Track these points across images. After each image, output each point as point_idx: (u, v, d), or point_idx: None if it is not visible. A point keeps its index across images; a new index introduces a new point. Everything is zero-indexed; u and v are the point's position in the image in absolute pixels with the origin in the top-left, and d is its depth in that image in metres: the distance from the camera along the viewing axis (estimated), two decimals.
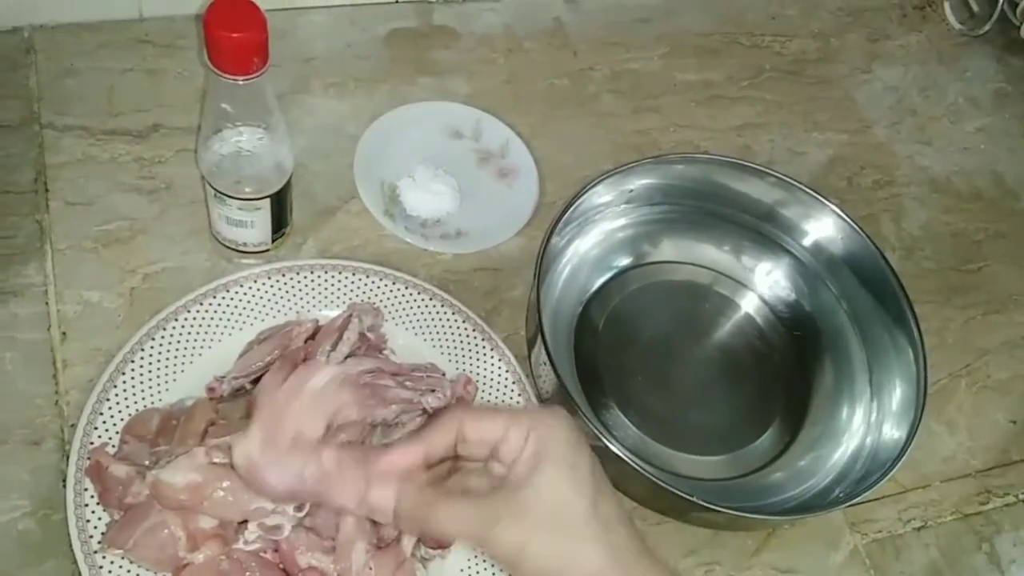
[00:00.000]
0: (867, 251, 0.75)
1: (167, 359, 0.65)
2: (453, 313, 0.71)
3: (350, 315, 0.68)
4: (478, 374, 0.69)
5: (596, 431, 0.61)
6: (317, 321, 0.68)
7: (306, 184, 0.77)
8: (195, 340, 0.66)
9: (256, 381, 0.66)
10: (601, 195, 0.76)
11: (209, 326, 0.67)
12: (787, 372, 0.78)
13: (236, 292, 0.69)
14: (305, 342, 0.67)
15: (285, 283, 0.70)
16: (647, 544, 0.44)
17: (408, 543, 0.60)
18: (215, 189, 0.65)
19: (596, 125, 0.89)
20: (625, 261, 0.80)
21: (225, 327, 0.68)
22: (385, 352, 0.69)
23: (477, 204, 0.81)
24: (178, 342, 0.66)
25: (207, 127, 0.63)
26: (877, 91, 1.00)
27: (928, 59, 1.05)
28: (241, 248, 0.71)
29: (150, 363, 0.65)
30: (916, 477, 0.76)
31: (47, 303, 0.68)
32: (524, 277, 0.77)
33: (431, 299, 0.72)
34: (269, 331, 0.68)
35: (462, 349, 0.70)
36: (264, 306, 0.69)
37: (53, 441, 0.63)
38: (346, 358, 0.66)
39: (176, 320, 0.66)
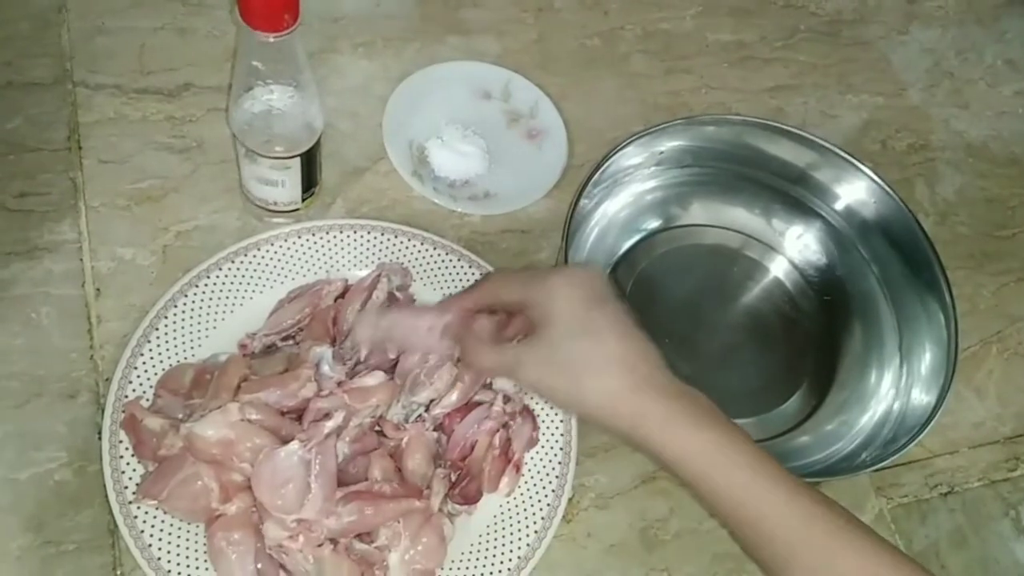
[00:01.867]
0: (900, 216, 0.74)
1: (199, 316, 0.66)
2: (481, 274, 0.71)
3: (379, 275, 0.68)
4: None
5: None
6: (347, 280, 0.69)
7: (335, 144, 0.77)
8: (227, 297, 0.67)
9: (287, 339, 0.67)
10: (631, 157, 0.75)
11: (240, 284, 0.68)
12: (816, 336, 0.78)
13: (267, 251, 0.69)
14: (335, 301, 0.68)
15: (315, 242, 0.70)
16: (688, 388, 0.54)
17: (436, 499, 0.61)
18: (246, 148, 0.65)
19: (627, 86, 0.88)
20: (654, 224, 0.80)
21: (256, 285, 0.68)
22: None
23: (506, 165, 0.80)
24: (210, 299, 0.67)
25: (238, 85, 0.63)
26: (914, 53, 0.99)
27: (966, 20, 1.03)
28: (271, 207, 0.71)
29: (183, 319, 0.66)
30: (944, 443, 0.76)
31: (81, 259, 0.69)
32: (552, 239, 0.77)
33: (459, 260, 0.72)
34: (299, 290, 0.69)
35: None
36: (294, 265, 0.70)
37: (88, 395, 0.65)
38: None
39: (208, 277, 0.67)
